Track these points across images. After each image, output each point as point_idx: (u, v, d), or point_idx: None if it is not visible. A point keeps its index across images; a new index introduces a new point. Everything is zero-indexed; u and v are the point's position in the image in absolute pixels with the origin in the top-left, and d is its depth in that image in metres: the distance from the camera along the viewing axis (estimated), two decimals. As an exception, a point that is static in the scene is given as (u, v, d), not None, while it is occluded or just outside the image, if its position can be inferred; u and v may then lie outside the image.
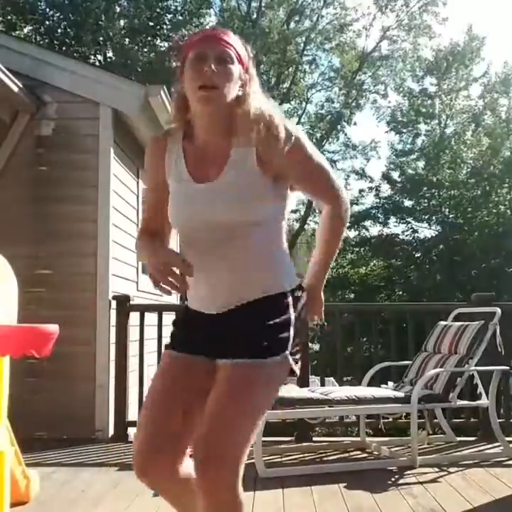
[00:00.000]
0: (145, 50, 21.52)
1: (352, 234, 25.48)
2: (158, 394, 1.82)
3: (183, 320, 1.95)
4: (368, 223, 26.26)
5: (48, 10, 21.03)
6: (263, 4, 23.77)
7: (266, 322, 1.77)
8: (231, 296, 1.80)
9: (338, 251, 2.02)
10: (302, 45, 24.45)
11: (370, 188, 26.86)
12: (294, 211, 27.27)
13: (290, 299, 1.83)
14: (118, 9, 21.08)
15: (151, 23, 21.29)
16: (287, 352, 1.77)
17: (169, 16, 22.37)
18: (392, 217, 25.97)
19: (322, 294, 2.04)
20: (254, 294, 1.79)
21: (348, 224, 1.99)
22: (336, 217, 1.95)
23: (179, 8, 22.32)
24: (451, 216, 25.48)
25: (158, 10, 21.34)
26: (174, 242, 2.09)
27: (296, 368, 1.82)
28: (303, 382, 5.01)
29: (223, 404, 1.68)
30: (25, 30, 20.27)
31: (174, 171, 1.85)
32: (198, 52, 1.77)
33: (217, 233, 1.77)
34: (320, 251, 2.00)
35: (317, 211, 26.48)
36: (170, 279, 1.71)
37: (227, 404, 1.68)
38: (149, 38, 21.63)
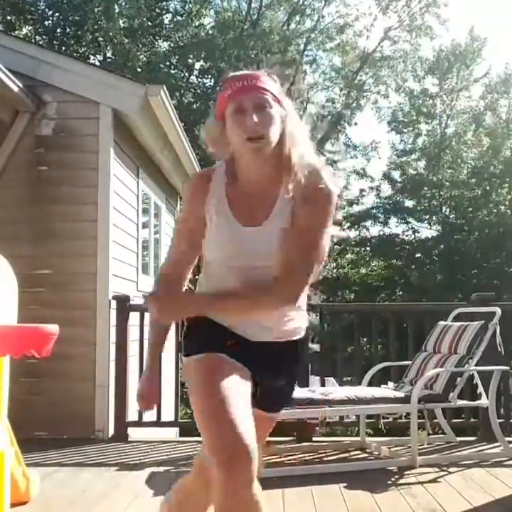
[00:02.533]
0: (145, 50, 21.50)
1: (352, 234, 25.48)
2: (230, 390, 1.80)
3: (216, 329, 1.94)
4: (368, 223, 26.24)
5: (47, 10, 21.03)
6: (263, 4, 23.75)
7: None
8: (267, 329, 1.93)
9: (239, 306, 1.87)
10: (303, 45, 24.43)
11: (371, 188, 26.85)
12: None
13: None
14: (117, 9, 21.06)
15: (150, 23, 21.29)
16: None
17: (169, 16, 22.39)
18: (392, 217, 25.94)
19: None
20: (287, 333, 1.97)
21: (270, 307, 1.87)
22: (272, 289, 1.83)
23: (179, 8, 22.33)
24: (451, 216, 25.50)
25: (157, 10, 21.33)
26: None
27: None
28: (303, 382, 5.02)
29: None
30: (25, 31, 20.25)
31: (216, 209, 1.89)
32: (237, 105, 1.81)
33: (256, 271, 1.85)
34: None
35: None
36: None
37: None
38: (149, 38, 21.62)
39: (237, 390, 1.81)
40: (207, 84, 23.41)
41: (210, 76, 23.28)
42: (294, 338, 2.00)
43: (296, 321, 1.98)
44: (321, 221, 1.83)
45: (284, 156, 1.83)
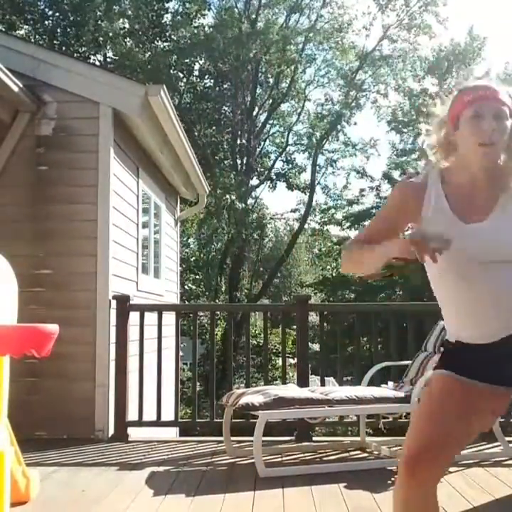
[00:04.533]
0: (145, 50, 21.51)
1: (352, 234, 25.51)
2: (441, 413, 1.94)
3: (452, 351, 2.05)
4: (368, 223, 26.19)
5: (47, 10, 21.05)
6: (262, 4, 23.75)
7: None
8: (501, 326, 1.94)
9: None
10: (301, 44, 24.44)
11: (371, 188, 26.85)
12: (294, 210, 27.36)
13: None
14: (117, 9, 21.07)
15: (150, 24, 21.29)
16: None
17: (169, 17, 22.39)
18: (392, 216, 25.91)
19: None
20: None
21: None
22: None
23: (179, 9, 22.33)
24: (451, 216, 25.47)
25: (157, 10, 21.33)
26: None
27: None
28: (303, 382, 5.02)
29: None
30: (23, 31, 20.24)
31: (434, 210, 1.99)
32: (477, 110, 1.94)
33: (486, 269, 1.92)
34: None
35: (317, 211, 26.41)
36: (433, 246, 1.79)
37: None
38: (149, 38, 21.63)
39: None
40: (207, 85, 23.42)
41: (209, 76, 23.29)
42: None
43: None
44: None
45: (507, 166, 1.98)
